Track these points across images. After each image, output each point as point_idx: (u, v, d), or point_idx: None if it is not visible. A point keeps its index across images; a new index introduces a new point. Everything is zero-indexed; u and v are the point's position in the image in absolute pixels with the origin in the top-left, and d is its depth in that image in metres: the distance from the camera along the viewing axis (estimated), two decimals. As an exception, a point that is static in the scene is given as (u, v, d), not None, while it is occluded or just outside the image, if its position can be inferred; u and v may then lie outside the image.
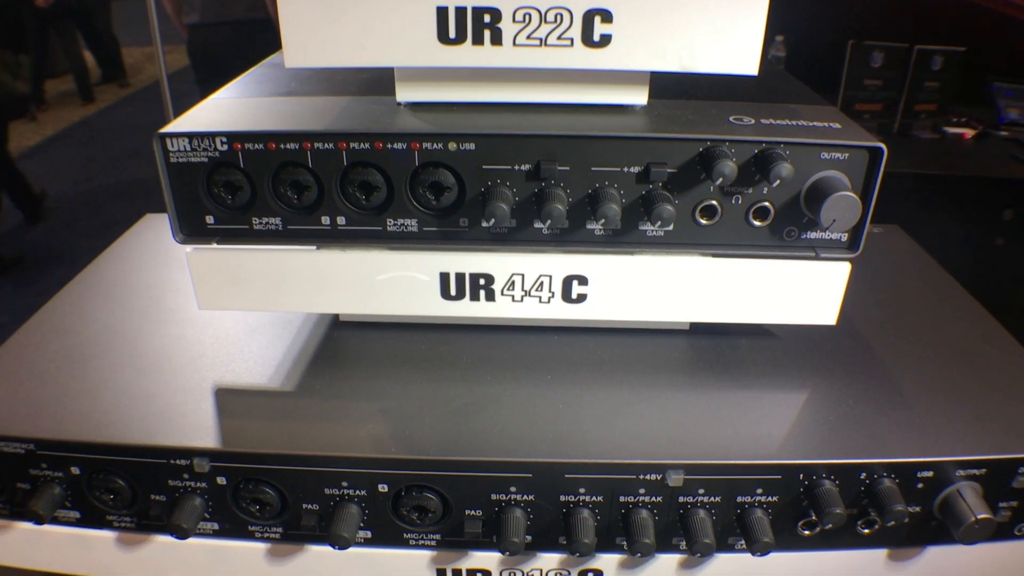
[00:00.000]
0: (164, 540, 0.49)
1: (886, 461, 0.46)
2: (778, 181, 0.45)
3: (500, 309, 0.51)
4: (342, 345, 0.55)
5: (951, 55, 1.60)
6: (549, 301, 0.51)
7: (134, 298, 0.61)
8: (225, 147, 0.47)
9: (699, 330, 0.57)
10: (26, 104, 3.32)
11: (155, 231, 0.72)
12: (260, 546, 0.49)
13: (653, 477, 0.45)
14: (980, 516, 0.47)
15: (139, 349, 0.54)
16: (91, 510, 0.49)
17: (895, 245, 0.72)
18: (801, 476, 0.46)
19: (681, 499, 0.46)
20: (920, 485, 0.48)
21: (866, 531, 0.49)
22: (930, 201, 1.52)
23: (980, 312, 0.62)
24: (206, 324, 0.57)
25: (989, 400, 0.52)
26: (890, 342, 0.57)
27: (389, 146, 0.46)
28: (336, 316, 0.58)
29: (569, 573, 0.50)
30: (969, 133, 1.64)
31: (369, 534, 0.48)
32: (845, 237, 0.50)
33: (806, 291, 0.51)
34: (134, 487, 0.48)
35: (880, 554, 0.51)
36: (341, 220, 0.49)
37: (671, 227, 0.49)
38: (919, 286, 0.66)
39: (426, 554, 0.49)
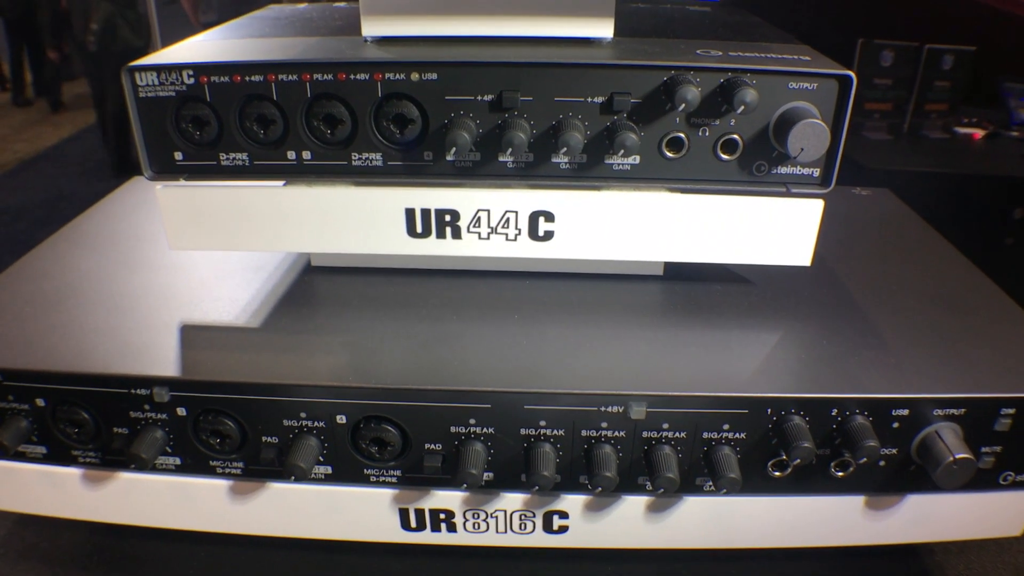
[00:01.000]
0: (129, 477, 0.49)
1: (859, 396, 0.45)
2: (742, 107, 0.44)
3: (467, 247, 0.50)
4: (312, 288, 0.55)
5: (962, 55, 1.58)
6: (516, 239, 0.50)
7: (113, 248, 0.61)
8: (192, 80, 0.47)
9: (672, 276, 0.56)
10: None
11: (144, 190, 0.72)
12: (222, 483, 0.49)
13: (615, 409, 0.44)
14: (959, 456, 0.45)
15: (111, 291, 0.55)
16: (57, 445, 0.49)
17: (884, 206, 0.70)
18: (769, 411, 0.45)
19: (645, 434, 0.45)
20: (896, 425, 0.46)
21: (840, 474, 0.47)
22: (940, 200, 1.50)
23: (968, 266, 0.61)
24: (179, 269, 0.57)
25: (972, 344, 0.50)
26: (871, 290, 0.56)
27: (352, 77, 0.46)
28: (308, 262, 0.58)
29: (534, 515, 0.48)
30: (980, 133, 1.62)
31: (330, 470, 0.47)
32: (817, 172, 0.49)
33: (778, 229, 0.50)
34: (97, 419, 0.47)
35: (857, 501, 0.49)
36: (307, 155, 0.49)
37: (637, 160, 0.48)
38: (906, 241, 0.65)
39: (388, 492, 0.48)
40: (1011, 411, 0.47)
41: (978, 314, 0.54)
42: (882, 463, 0.48)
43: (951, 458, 0.45)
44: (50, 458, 0.49)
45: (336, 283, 0.55)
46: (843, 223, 0.66)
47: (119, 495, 0.50)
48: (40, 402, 0.47)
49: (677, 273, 0.56)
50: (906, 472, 0.48)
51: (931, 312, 0.54)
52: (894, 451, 0.47)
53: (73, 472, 0.49)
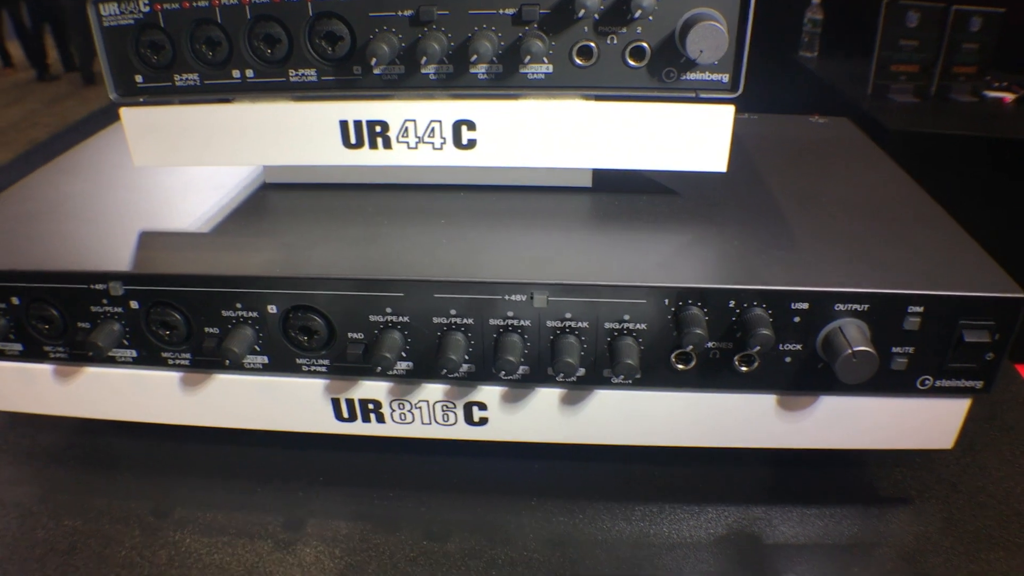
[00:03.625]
0: (93, 371, 0.54)
1: (756, 288, 0.47)
2: (639, 12, 0.47)
3: (398, 157, 0.54)
4: (263, 202, 0.59)
5: (990, 16, 1.54)
6: (442, 147, 0.53)
7: (92, 174, 0.67)
8: (147, 8, 0.52)
9: (601, 187, 0.58)
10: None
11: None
12: (173, 375, 0.53)
13: (518, 298, 0.47)
14: (858, 348, 0.46)
15: (84, 207, 0.60)
16: (31, 342, 0.54)
17: (840, 133, 0.71)
18: (667, 301, 0.47)
19: (550, 323, 0.48)
20: (797, 319, 0.47)
21: (744, 368, 0.49)
22: (968, 163, 1.47)
23: (912, 186, 0.61)
24: (147, 189, 0.62)
25: (888, 247, 0.51)
26: (799, 202, 0.57)
27: (286, -2, 0.50)
28: (263, 180, 0.62)
29: (455, 405, 0.52)
30: (1010, 97, 1.57)
31: (267, 360, 0.51)
32: (726, 78, 0.50)
33: (692, 135, 0.52)
34: (64, 315, 0.52)
35: (769, 400, 0.51)
36: (250, 73, 0.53)
37: (550, 69, 0.51)
38: (852, 163, 0.65)
39: (320, 382, 0.52)
40: (919, 309, 0.47)
41: (904, 223, 0.55)
42: (788, 359, 0.49)
43: (849, 351, 0.46)
44: (26, 355, 0.54)
45: (285, 197, 0.59)
46: (791, 146, 0.67)
47: (85, 389, 0.55)
48: (15, 300, 0.52)
49: (606, 185, 0.58)
50: (815, 371, 0.49)
51: (855, 221, 0.55)
52: (799, 347, 0.48)
53: (45, 368, 0.54)
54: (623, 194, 0.58)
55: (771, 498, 0.54)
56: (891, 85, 1.59)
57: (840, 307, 0.47)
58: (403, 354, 0.50)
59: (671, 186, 0.59)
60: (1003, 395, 0.64)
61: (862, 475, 0.56)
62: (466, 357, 0.49)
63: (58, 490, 0.56)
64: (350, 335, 0.50)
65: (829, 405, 0.51)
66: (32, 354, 0.54)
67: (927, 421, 0.52)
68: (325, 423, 0.53)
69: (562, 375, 0.48)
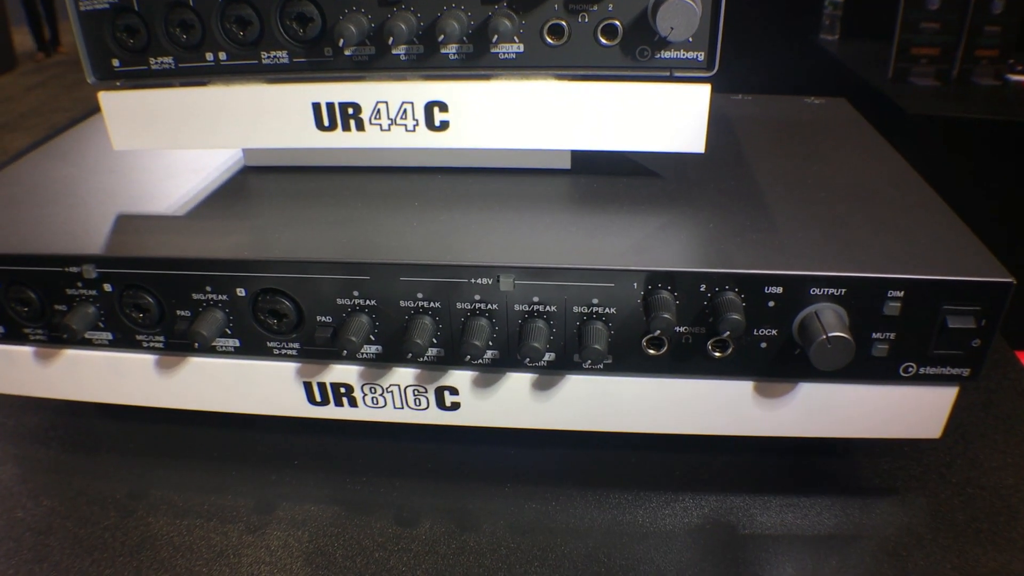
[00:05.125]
0: (71, 353, 0.54)
1: (728, 271, 0.45)
2: (609, -13, 0.45)
3: (371, 139, 0.53)
4: (242, 185, 0.59)
5: (1015, -2, 1.49)
6: (415, 129, 0.53)
7: (75, 158, 0.67)
8: (122, -10, 0.52)
9: (580, 170, 0.57)
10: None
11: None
12: (148, 357, 0.53)
13: (484, 281, 0.46)
14: (832, 334, 0.45)
15: (65, 192, 0.60)
16: (11, 324, 0.54)
17: (836, 114, 0.69)
18: (635, 285, 0.46)
19: (517, 307, 0.47)
20: (772, 304, 0.46)
21: (717, 354, 0.48)
22: (990, 147, 1.43)
23: (905, 169, 0.59)
24: (126, 173, 0.63)
25: (872, 231, 0.49)
26: (784, 184, 0.56)
27: (255, -22, 0.50)
28: (243, 163, 0.62)
29: (426, 390, 0.51)
30: (1035, 80, 1.52)
31: (238, 343, 0.51)
32: (702, 56, 0.49)
33: (667, 115, 0.50)
34: (41, 297, 0.53)
35: (746, 387, 0.49)
36: (223, 56, 0.53)
37: (521, 48, 0.50)
38: (844, 144, 0.63)
39: (291, 366, 0.52)
40: (899, 294, 0.46)
41: (892, 206, 0.53)
42: (763, 345, 0.48)
43: (824, 336, 0.45)
44: (7, 337, 0.55)
45: (264, 180, 0.59)
46: (783, 127, 0.65)
47: (64, 371, 0.55)
48: (-5, 283, 0.53)
49: (585, 167, 0.57)
50: (793, 357, 0.48)
51: (839, 204, 0.53)
52: (774, 332, 0.47)
53: (26, 350, 0.55)
54: (602, 176, 0.57)
55: (750, 487, 0.53)
56: (912, 68, 1.55)
57: (816, 291, 0.46)
58: (371, 338, 0.49)
59: (653, 168, 0.58)
60: (1000, 383, 0.62)
61: (847, 465, 0.55)
62: (434, 341, 0.48)
63: (39, 470, 0.57)
64: (319, 318, 0.49)
65: (808, 392, 0.50)
66: (13, 336, 0.55)
67: (913, 409, 0.50)
68: (297, 407, 0.53)
69: (529, 360, 0.47)
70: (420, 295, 0.47)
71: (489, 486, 0.53)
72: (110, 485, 0.55)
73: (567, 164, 0.58)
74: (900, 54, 1.53)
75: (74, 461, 0.57)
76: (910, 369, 0.49)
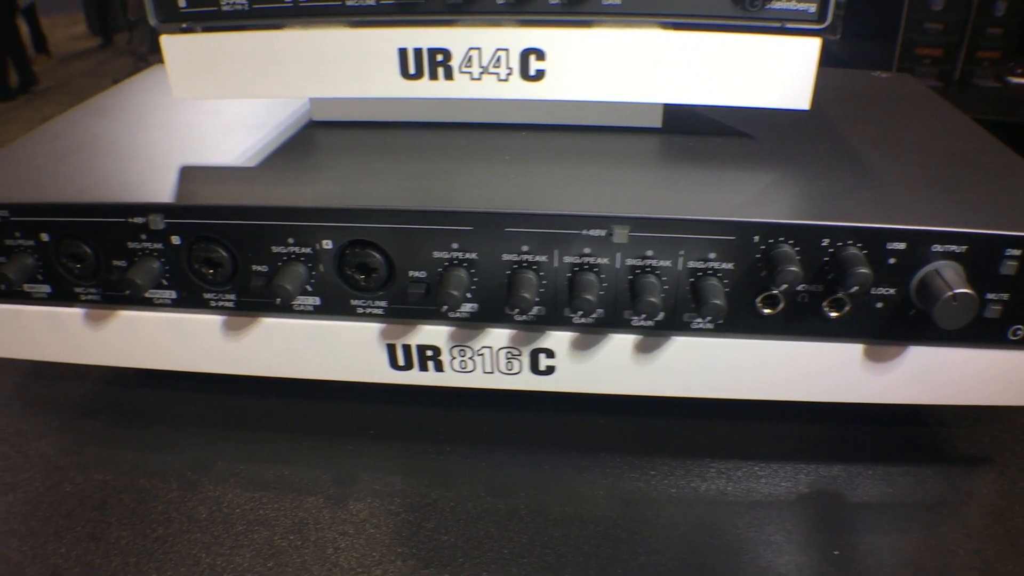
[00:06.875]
0: (128, 315, 0.50)
1: (852, 225, 0.44)
2: (732, -74, 0.44)
3: (459, 88, 0.50)
4: (311, 138, 0.56)
5: (1016, 1, 1.52)
6: (508, 79, 0.50)
7: (126, 113, 0.63)
8: (193, -76, 0.49)
9: (671, 128, 0.55)
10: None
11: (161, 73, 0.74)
12: (216, 318, 0.50)
13: (597, 233, 0.44)
14: (958, 291, 0.43)
15: (119, 144, 0.56)
16: (60, 282, 0.50)
17: (904, 86, 0.68)
18: (756, 239, 0.44)
19: (629, 261, 0.45)
20: (892, 260, 0.44)
21: (834, 314, 0.46)
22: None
23: (981, 133, 0.58)
24: (186, 127, 0.59)
25: (975, 191, 0.48)
26: (875, 146, 0.54)
27: (344, -89, 0.47)
28: (310, 118, 0.59)
29: (520, 352, 0.48)
30: (1035, 82, 1.55)
31: (318, 301, 0.48)
32: (813, 8, 0.47)
33: (774, 69, 0.49)
34: (97, 252, 0.49)
35: (856, 350, 0.48)
36: (302, -4, 0.50)
37: (627, -8, 0.47)
38: (919, 112, 0.63)
39: (375, 326, 0.48)
40: (1016, 252, 0.45)
41: (984, 168, 0.52)
42: (880, 305, 0.46)
43: (950, 293, 0.43)
44: (54, 298, 0.51)
45: (334, 135, 0.56)
46: (858, 98, 0.64)
47: (119, 334, 0.51)
48: (44, 237, 0.49)
49: (676, 126, 0.55)
50: (906, 319, 0.46)
51: (934, 165, 0.52)
52: (892, 291, 0.45)
53: (76, 312, 0.51)
54: (694, 135, 0.55)
55: (848, 456, 0.51)
56: (914, 69, 1.57)
57: (938, 248, 0.44)
58: (468, 295, 0.46)
59: (743, 128, 0.56)
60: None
61: (939, 434, 0.53)
62: (536, 299, 0.46)
63: (86, 443, 0.52)
64: (411, 273, 0.46)
65: (917, 355, 0.48)
66: (61, 296, 0.51)
67: (1015, 375, 0.49)
68: (379, 371, 0.50)
69: (644, 316, 0.45)
70: (525, 247, 0.45)
71: (582, 456, 0.50)
72: (168, 458, 0.51)
73: (658, 122, 0.56)
74: (903, 54, 1.55)
75: (125, 433, 0.53)
76: (1019, 332, 0.47)
